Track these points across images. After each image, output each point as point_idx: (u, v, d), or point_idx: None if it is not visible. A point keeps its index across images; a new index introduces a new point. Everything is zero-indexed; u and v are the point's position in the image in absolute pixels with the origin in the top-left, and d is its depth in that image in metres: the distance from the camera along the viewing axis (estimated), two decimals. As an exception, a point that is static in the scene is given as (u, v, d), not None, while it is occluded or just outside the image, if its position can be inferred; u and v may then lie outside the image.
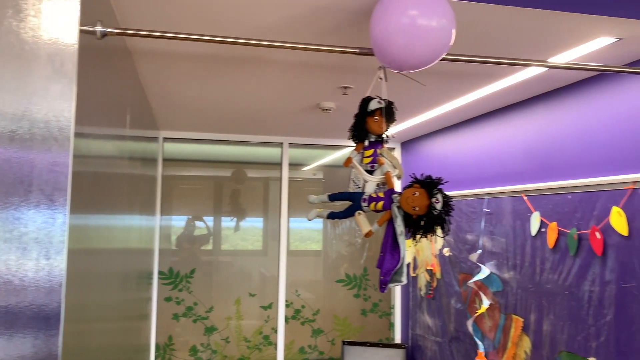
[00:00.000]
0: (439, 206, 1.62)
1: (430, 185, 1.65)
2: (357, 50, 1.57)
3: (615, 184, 2.15)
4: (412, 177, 1.72)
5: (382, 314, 4.40)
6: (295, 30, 1.80)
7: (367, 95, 1.79)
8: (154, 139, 3.59)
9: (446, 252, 3.51)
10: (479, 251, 3.10)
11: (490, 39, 1.88)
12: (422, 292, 3.90)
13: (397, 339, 4.34)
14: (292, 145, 4.26)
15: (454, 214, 3.39)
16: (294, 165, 4.35)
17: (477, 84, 2.51)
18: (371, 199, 1.80)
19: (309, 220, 1.92)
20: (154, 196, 3.80)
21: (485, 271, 3.01)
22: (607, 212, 2.17)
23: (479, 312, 3.07)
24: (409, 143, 4.29)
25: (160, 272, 4.01)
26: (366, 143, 1.84)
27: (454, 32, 1.47)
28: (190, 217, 4.23)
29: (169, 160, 4.13)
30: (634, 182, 2.05)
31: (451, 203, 1.65)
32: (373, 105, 1.77)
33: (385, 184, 1.80)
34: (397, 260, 1.66)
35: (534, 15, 1.66)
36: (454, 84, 2.53)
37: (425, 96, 2.78)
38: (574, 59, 2.07)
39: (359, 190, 1.84)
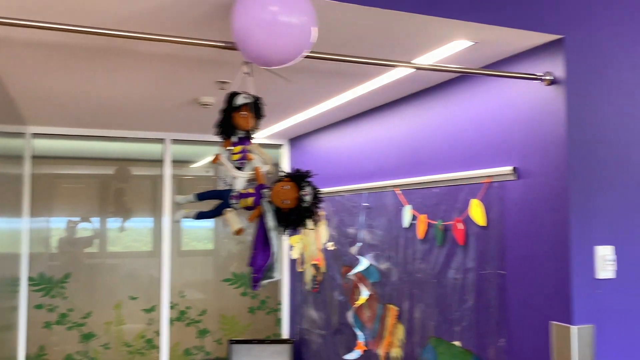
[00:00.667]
0: (308, 198, 1.65)
1: (299, 178, 1.67)
2: (222, 44, 1.54)
3: (474, 177, 2.31)
4: (280, 172, 1.73)
5: (269, 311, 4.41)
6: (159, 21, 1.73)
7: (233, 90, 1.76)
8: (17, 134, 3.30)
9: (330, 246, 3.59)
10: (359, 244, 3.21)
11: (359, 40, 1.94)
12: (308, 287, 3.96)
13: (285, 335, 4.37)
14: (175, 141, 4.13)
15: (338, 209, 3.47)
16: (182, 163, 4.23)
17: (351, 83, 2.59)
18: (241, 196, 1.79)
19: (175, 221, 1.87)
20: (19, 196, 3.50)
21: (364, 263, 3.11)
22: (467, 204, 2.33)
23: (358, 303, 3.17)
24: (296, 140, 4.34)
25: (30, 279, 3.71)
26: (234, 139, 1.81)
27: (315, 29, 1.49)
28: (71, 218, 3.95)
29: (41, 158, 3.83)
30: (490, 176, 2.21)
31: (320, 195, 1.69)
32: (239, 100, 1.76)
33: (255, 180, 1.79)
34: (268, 256, 1.66)
35: (395, 17, 1.74)
36: (329, 83, 2.59)
37: (304, 93, 2.81)
38: (436, 61, 2.20)
39: (228, 187, 1.82)
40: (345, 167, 3.49)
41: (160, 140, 4.10)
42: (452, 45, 2.04)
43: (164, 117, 3.43)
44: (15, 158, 3.23)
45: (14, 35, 1.89)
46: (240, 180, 1.79)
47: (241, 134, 1.83)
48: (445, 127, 2.55)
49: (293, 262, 4.26)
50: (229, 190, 1.81)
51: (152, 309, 4.03)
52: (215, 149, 1.83)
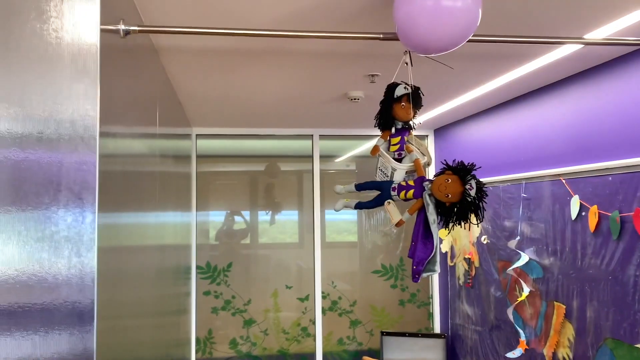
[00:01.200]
0: (472, 192, 1.58)
1: (463, 171, 1.61)
2: (381, 36, 1.54)
3: (659, 163, 2.05)
4: (443, 164, 1.67)
5: (420, 304, 4.35)
6: (314, 19, 1.77)
7: (392, 81, 1.75)
8: (186, 136, 3.63)
9: (484, 240, 3.44)
10: (518, 238, 3.02)
11: (521, 17, 1.81)
12: (461, 281, 3.84)
13: (437, 329, 4.29)
14: (322, 137, 4.24)
15: (491, 201, 3.31)
16: (326, 157, 4.34)
17: (509, 65, 2.43)
18: (401, 188, 1.76)
19: (336, 210, 1.90)
20: (189, 193, 3.85)
21: (524, 258, 2.93)
22: (651, 193, 2.08)
23: (520, 299, 3.00)
24: (441, 130, 4.22)
25: (198, 267, 4.07)
26: (393, 130, 1.80)
27: (480, 11, 1.42)
28: (228, 211, 4.27)
29: (203, 157, 4.18)
30: (680, 160, 1.95)
31: (485, 189, 1.61)
32: (399, 91, 1.74)
33: (414, 172, 1.76)
34: (430, 249, 1.63)
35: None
36: (485, 67, 2.46)
37: (455, 80, 2.71)
38: (609, 35, 1.98)
39: (387, 179, 1.81)
40: (498, 156, 3.31)
41: (309, 137, 4.24)
42: (629, 17, 1.82)
43: (313, 113, 3.53)
44: (186, 158, 3.55)
45: (181, 44, 2.07)
46: (399, 172, 1.77)
47: (400, 125, 1.80)
48: (619, 107, 2.29)
49: (444, 256, 4.15)
50: (389, 182, 1.80)
51: (307, 298, 4.20)
52: (365, 142, 1.84)
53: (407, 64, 1.61)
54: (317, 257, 4.17)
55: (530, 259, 2.91)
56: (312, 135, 4.23)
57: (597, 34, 1.97)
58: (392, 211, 1.74)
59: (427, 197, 1.67)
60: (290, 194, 4.37)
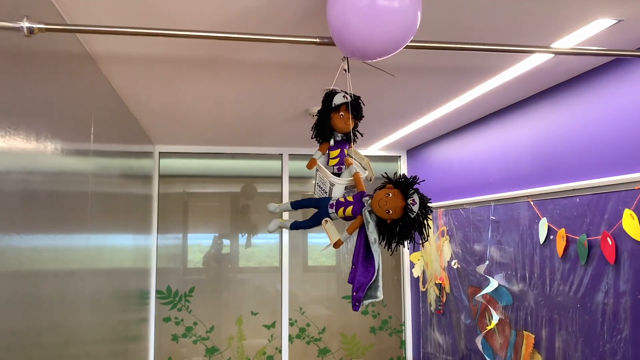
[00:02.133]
0: (415, 208, 1.43)
1: (405, 185, 1.46)
2: (317, 40, 1.41)
3: (626, 183, 1.93)
4: (384, 177, 1.53)
5: (392, 332, 4.17)
6: (256, 24, 1.66)
7: (331, 88, 1.61)
8: (146, 154, 3.48)
9: (454, 264, 3.30)
10: (487, 262, 2.88)
11: (478, 26, 1.70)
12: (432, 308, 3.68)
13: (409, 358, 4.10)
14: (292, 156, 4.11)
15: (462, 224, 3.18)
16: (303, 179, 4.19)
17: (475, 79, 2.33)
18: (339, 204, 1.61)
19: (270, 232, 1.74)
20: (148, 214, 3.68)
21: (493, 284, 2.79)
22: (618, 216, 1.95)
23: (489, 327, 2.84)
24: (414, 150, 4.10)
25: (157, 292, 3.87)
26: (332, 143, 1.66)
27: (419, 13, 1.30)
28: (216, 234, 4.09)
29: (173, 177, 4.01)
30: (647, 180, 1.83)
31: (429, 204, 1.46)
32: (338, 99, 1.60)
33: (354, 187, 1.62)
34: (371, 273, 1.47)
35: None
36: (452, 81, 2.35)
37: (423, 96, 2.60)
38: (576, 45, 1.87)
39: (326, 195, 1.66)
40: (469, 177, 3.19)
41: (278, 156, 4.11)
42: (591, 26, 1.72)
43: (280, 131, 3.40)
44: (143, 177, 3.39)
45: (121, 51, 1.94)
46: (338, 187, 1.62)
47: (339, 136, 1.67)
48: (587, 125, 2.19)
49: (415, 281, 4.00)
50: (327, 199, 1.65)
51: (273, 325, 4.01)
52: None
53: (345, 70, 1.49)
54: (285, 282, 4.00)
55: (499, 284, 2.76)
56: (281, 154, 4.09)
57: (564, 43, 1.86)
58: (329, 230, 1.58)
59: (367, 214, 1.52)
60: (268, 216, 4.21)
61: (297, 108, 2.77)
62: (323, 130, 1.64)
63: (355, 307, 1.48)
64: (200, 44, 1.85)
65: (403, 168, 4.24)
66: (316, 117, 1.65)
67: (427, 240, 1.47)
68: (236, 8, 1.55)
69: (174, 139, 3.69)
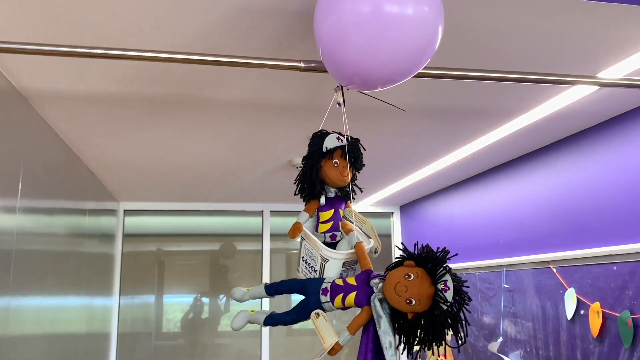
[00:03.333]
0: (449, 295, 1.02)
1: (432, 261, 1.05)
2: (301, 65, 1.05)
3: (681, 249, 1.57)
4: (400, 249, 1.13)
5: (387, 413, 3.66)
6: (219, 43, 1.30)
7: (320, 129, 1.21)
8: (106, 211, 3.06)
9: (459, 338, 2.86)
10: (500, 339, 2.46)
11: (510, 51, 1.35)
12: (433, 387, 3.20)
13: None
14: (274, 213, 3.71)
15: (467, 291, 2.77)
16: (284, 236, 3.78)
17: (487, 125, 1.98)
18: (336, 289, 1.15)
19: (234, 329, 1.27)
20: (108, 275, 3.22)
21: (509, 365, 2.36)
22: (674, 289, 1.58)
23: (506, 419, 2.39)
24: (409, 206, 3.73)
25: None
26: (322, 201, 1.23)
27: (440, 26, 0.95)
28: (197, 295, 3.67)
29: (143, 236, 3.59)
30: None
31: (466, 290, 1.06)
32: (330, 142, 1.19)
33: (356, 264, 1.20)
34: None
35: (568, 9, 1.15)
36: (457, 127, 2.01)
37: (423, 146, 2.25)
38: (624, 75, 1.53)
39: (316, 275, 1.21)
40: (474, 238, 2.80)
41: (259, 213, 3.71)
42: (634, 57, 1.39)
43: (258, 185, 3.03)
44: (102, 236, 2.97)
45: (57, 89, 1.56)
46: (333, 264, 1.17)
47: (333, 192, 1.26)
48: (621, 175, 1.84)
49: (413, 357, 3.53)
50: (318, 280, 1.19)
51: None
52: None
53: (339, 104, 1.12)
54: (265, 347, 3.50)
55: (517, 366, 2.34)
56: (262, 211, 3.70)
57: (609, 74, 1.51)
58: (322, 328, 1.09)
59: (378, 304, 1.08)
60: (248, 275, 3.78)
61: (279, 158, 2.40)
62: (311, 183, 1.21)
63: None
64: (154, 78, 1.49)
65: (396, 226, 3.85)
66: (301, 167, 1.24)
67: (465, 342, 1.05)
68: (195, 28, 1.19)
69: (141, 196, 3.28)
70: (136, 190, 3.13)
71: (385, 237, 3.86)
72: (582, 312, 1.97)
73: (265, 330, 3.56)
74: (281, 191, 3.20)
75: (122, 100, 1.66)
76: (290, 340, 3.70)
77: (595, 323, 1.89)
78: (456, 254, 1.07)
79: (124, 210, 3.49)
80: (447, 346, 1.06)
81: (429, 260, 1.04)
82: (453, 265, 1.07)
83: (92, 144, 2.13)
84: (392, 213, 3.88)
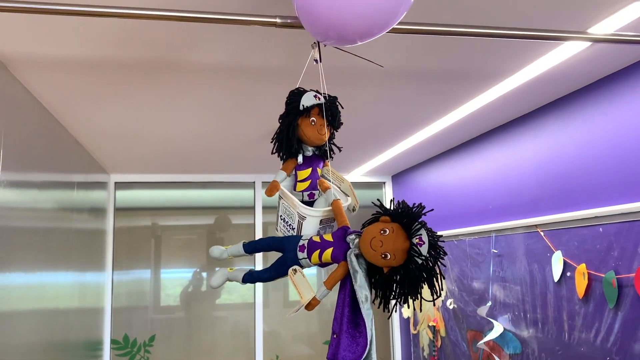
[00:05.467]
0: (424, 250, 1.03)
1: (407, 217, 1.06)
2: (277, 21, 1.03)
3: (666, 208, 1.57)
4: (376, 206, 1.13)
5: (380, 379, 3.72)
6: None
7: (297, 87, 1.20)
8: (96, 184, 3.04)
9: (450, 304, 2.89)
10: (489, 303, 2.49)
11: (496, 7, 1.33)
12: (426, 353, 3.25)
13: (400, 409, 3.65)
14: (265, 184, 3.70)
15: (458, 257, 2.79)
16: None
17: (476, 87, 1.96)
18: (313, 246, 1.17)
19: (213, 287, 1.29)
20: (101, 250, 3.22)
21: (498, 328, 2.39)
22: (658, 248, 1.59)
23: (494, 381, 2.43)
24: (400, 176, 3.73)
25: (113, 341, 3.38)
26: (300, 159, 1.23)
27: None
28: (197, 269, 3.69)
29: (137, 210, 3.58)
30: (695, 204, 1.47)
31: (441, 244, 1.06)
32: (307, 100, 1.17)
33: (333, 221, 1.21)
34: (362, 346, 1.04)
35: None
36: (445, 91, 1.99)
37: (412, 112, 2.24)
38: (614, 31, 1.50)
39: (294, 232, 1.22)
40: (465, 205, 2.81)
41: (250, 184, 3.70)
42: (625, 11, 1.37)
43: (248, 155, 3.01)
44: (93, 210, 2.95)
45: (41, 52, 1.54)
46: (310, 222, 1.18)
47: (310, 151, 1.26)
48: (609, 138, 1.83)
49: (405, 322, 3.57)
50: (295, 238, 1.20)
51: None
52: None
53: (316, 61, 1.10)
54: (259, 319, 3.54)
55: (505, 329, 2.36)
56: (254, 182, 3.69)
57: (598, 29, 1.48)
58: (299, 284, 1.11)
59: (354, 259, 1.09)
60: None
61: (265, 126, 2.39)
62: (288, 142, 1.20)
63: None
64: (134, 41, 1.46)
65: (388, 195, 3.86)
66: (279, 122, 1.22)
67: (440, 296, 1.06)
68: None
69: (132, 168, 3.27)
70: (126, 163, 3.11)
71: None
72: (568, 274, 1.98)
73: (259, 302, 3.59)
74: (271, 161, 3.19)
75: (103, 66, 1.63)
76: (285, 312, 3.73)
77: (581, 284, 1.91)
78: (432, 209, 1.07)
79: (115, 183, 3.48)
80: (422, 300, 1.06)
81: (404, 216, 1.04)
82: (444, 232, 1.08)
83: (77, 113, 2.11)
84: (384, 183, 3.88)
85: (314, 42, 1.09)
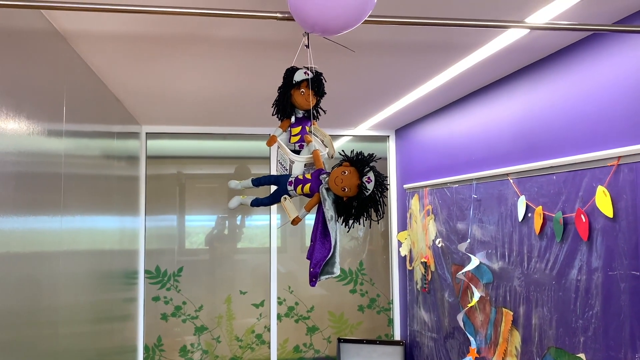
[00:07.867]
0: (370, 186, 1.44)
1: (360, 162, 1.48)
2: (278, 15, 1.39)
3: (600, 160, 1.93)
4: (341, 155, 1.55)
5: (380, 310, 4.21)
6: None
7: (292, 65, 1.61)
8: (130, 134, 3.47)
9: (439, 242, 3.31)
10: (468, 240, 2.89)
11: (455, 3, 1.67)
12: (418, 286, 3.70)
13: (397, 336, 4.14)
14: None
15: (446, 203, 3.18)
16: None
17: (453, 56, 2.30)
18: (297, 181, 1.63)
19: (231, 208, 1.78)
20: (135, 196, 3.69)
21: (474, 261, 2.80)
22: (592, 193, 1.95)
23: (470, 305, 2.86)
24: (402, 130, 4.09)
25: (146, 272, 3.90)
26: (293, 120, 1.67)
27: (378, -14, 1.29)
28: (219, 216, 4.11)
29: (163, 158, 4.01)
30: (619, 157, 1.82)
31: (385, 182, 1.47)
32: (298, 76, 1.60)
33: (314, 165, 1.63)
34: (328, 249, 1.49)
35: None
36: (429, 59, 2.33)
37: (404, 74, 2.59)
38: (550, 19, 1.85)
39: (286, 172, 1.68)
40: (454, 156, 3.18)
41: (268, 136, 4.09)
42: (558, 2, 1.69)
43: (265, 110, 3.39)
44: (127, 158, 3.39)
45: (95, 29, 1.92)
46: (297, 165, 1.64)
47: (300, 113, 1.67)
48: (565, 102, 2.17)
49: (402, 260, 4.02)
50: (286, 176, 1.67)
51: (262, 303, 4.04)
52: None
53: (306, 46, 1.47)
54: (274, 261, 4.02)
55: (480, 262, 2.77)
56: (270, 134, 4.07)
57: (538, 18, 1.83)
58: (288, 207, 1.61)
59: (324, 191, 1.54)
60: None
61: (274, 87, 2.75)
62: (283, 107, 1.65)
63: (312, 283, 1.50)
64: (168, 20, 1.84)
65: (392, 148, 4.23)
66: (278, 92, 1.65)
67: (382, 217, 1.48)
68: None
69: (161, 120, 3.68)
70: (157, 115, 3.52)
71: (382, 160, 4.25)
72: (529, 215, 2.36)
73: (274, 247, 4.03)
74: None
75: (143, 39, 2.01)
76: (302, 256, 4.15)
77: (537, 223, 2.29)
78: (379, 157, 1.48)
79: (146, 133, 3.91)
80: (371, 221, 1.48)
81: (358, 162, 1.45)
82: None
83: (118, 76, 2.50)
84: (388, 136, 4.24)
85: (305, 32, 1.46)
